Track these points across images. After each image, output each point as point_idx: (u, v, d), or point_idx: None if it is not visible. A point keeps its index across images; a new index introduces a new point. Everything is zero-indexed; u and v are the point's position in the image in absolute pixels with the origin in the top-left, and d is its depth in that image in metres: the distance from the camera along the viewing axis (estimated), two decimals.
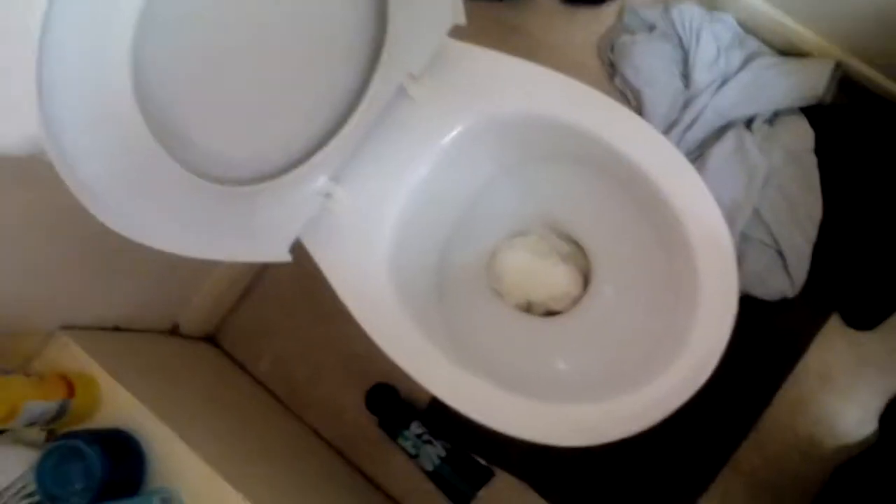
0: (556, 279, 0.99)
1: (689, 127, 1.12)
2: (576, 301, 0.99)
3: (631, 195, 0.88)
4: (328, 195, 0.84)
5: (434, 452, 1.12)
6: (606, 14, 1.22)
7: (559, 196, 0.99)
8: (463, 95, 0.85)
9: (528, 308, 1.00)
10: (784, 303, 1.07)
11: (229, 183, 0.74)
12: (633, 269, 0.96)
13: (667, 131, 1.15)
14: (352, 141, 0.83)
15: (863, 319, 1.06)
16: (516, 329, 0.97)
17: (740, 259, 1.04)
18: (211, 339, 1.29)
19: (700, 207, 0.79)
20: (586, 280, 1.00)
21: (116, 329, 1.00)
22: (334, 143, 0.81)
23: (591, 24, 1.22)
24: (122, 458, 0.74)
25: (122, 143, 0.54)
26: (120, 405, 0.79)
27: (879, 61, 1.05)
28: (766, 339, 1.09)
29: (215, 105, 0.69)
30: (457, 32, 0.83)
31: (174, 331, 1.21)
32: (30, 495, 0.69)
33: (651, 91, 1.13)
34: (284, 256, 0.82)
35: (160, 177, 0.61)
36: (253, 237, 0.78)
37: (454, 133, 0.85)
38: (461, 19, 0.83)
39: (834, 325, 1.08)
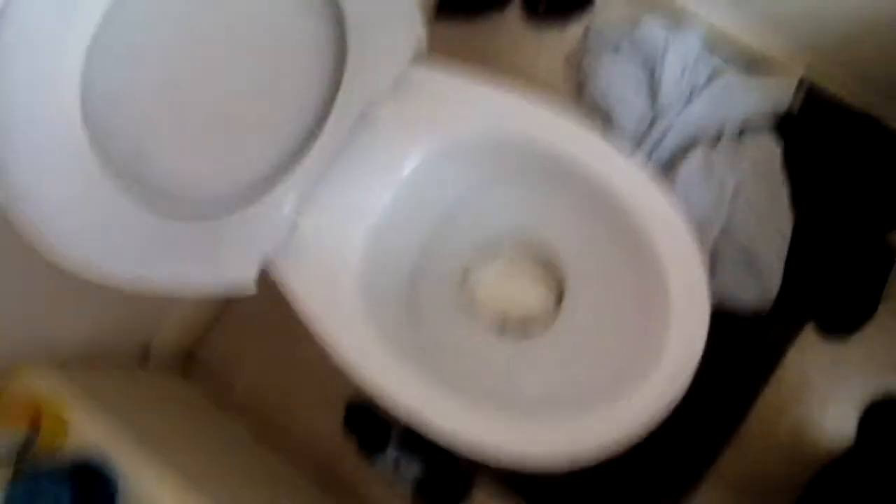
0: (528, 299, 0.99)
1: (658, 144, 1.13)
2: (549, 321, 0.99)
3: (601, 214, 0.89)
4: (295, 221, 0.83)
5: (412, 472, 1.11)
6: (572, 35, 1.23)
7: (530, 214, 0.99)
8: (428, 118, 0.85)
9: (503, 328, 1.00)
10: (758, 315, 1.07)
11: (190, 209, 0.74)
12: (606, 289, 0.96)
13: (635, 150, 1.16)
14: (317, 166, 0.83)
15: (838, 327, 1.06)
16: (489, 350, 0.96)
17: (711, 274, 1.05)
18: (184, 365, 1.28)
19: (669, 226, 0.79)
20: (560, 298, 1.00)
21: (82, 358, 0.98)
22: (299, 169, 0.81)
23: (558, 45, 1.23)
24: (92, 491, 0.73)
25: (69, 174, 0.54)
26: (90, 435, 0.77)
27: (842, 74, 1.06)
28: (742, 351, 1.09)
29: (174, 132, 0.69)
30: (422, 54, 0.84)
31: (145, 357, 1.20)
32: None
33: (618, 110, 1.14)
34: (250, 286, 0.81)
35: (111, 211, 0.60)
36: (216, 266, 0.78)
37: (420, 155, 0.86)
38: (422, 47, 0.84)
39: (810, 333, 1.08)
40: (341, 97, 0.82)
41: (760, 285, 1.04)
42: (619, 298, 0.94)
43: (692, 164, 1.08)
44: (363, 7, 0.78)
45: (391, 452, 1.12)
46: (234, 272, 0.80)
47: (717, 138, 1.11)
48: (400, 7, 0.83)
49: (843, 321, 1.06)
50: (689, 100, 1.11)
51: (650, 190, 0.80)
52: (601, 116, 1.17)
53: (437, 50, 0.87)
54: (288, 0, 0.76)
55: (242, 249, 0.81)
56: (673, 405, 0.75)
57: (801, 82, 1.07)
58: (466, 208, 0.96)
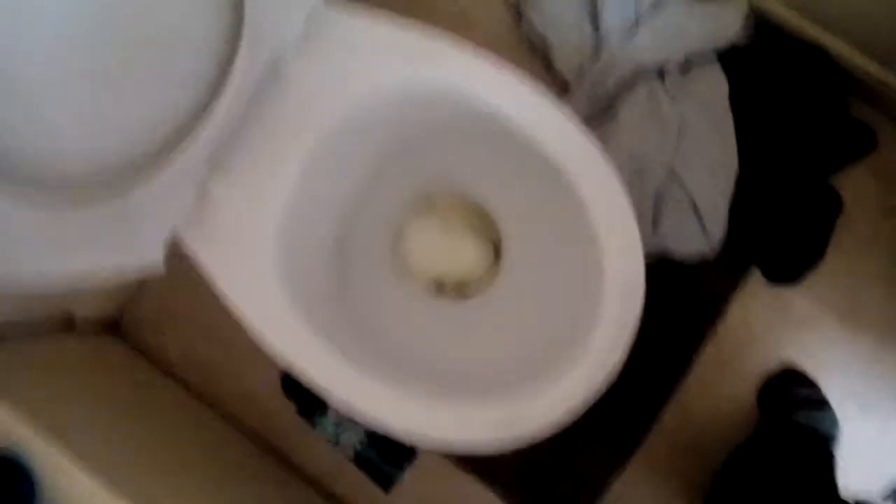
0: (464, 253, 0.94)
1: (600, 78, 1.06)
2: (487, 280, 0.95)
3: (532, 170, 0.82)
4: (203, 191, 0.76)
5: (354, 436, 1.08)
6: None
7: (462, 171, 0.92)
8: (343, 70, 0.76)
9: (440, 288, 0.95)
10: (703, 262, 1.04)
11: (83, 193, 0.66)
12: (540, 248, 0.92)
13: (576, 83, 1.09)
14: (224, 127, 0.74)
15: (783, 274, 1.04)
16: (426, 314, 0.92)
17: (655, 220, 1.00)
18: (113, 329, 1.21)
19: (599, 182, 0.74)
20: (498, 254, 0.95)
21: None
22: (204, 132, 0.73)
23: None
24: (7, 486, 0.67)
25: None
26: (3, 424, 0.71)
27: (791, 2, 0.99)
28: (686, 301, 1.06)
29: (58, 99, 0.61)
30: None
31: (69, 324, 1.12)
32: None
33: (557, 36, 1.06)
34: (158, 265, 0.74)
35: None
36: (124, 249, 0.71)
37: (338, 112, 0.77)
38: None
39: (755, 281, 1.05)
40: (244, 48, 0.73)
41: (706, 232, 1.00)
42: (554, 258, 0.90)
43: (635, 101, 1.01)
44: None
45: (331, 417, 1.08)
46: (142, 253, 0.73)
47: (663, 72, 1.04)
48: None
49: (788, 268, 1.03)
50: (632, 30, 1.04)
51: (578, 142, 0.74)
52: (540, 43, 1.09)
53: None
54: None
55: (149, 227, 0.74)
56: (612, 378, 0.72)
57: (748, 12, 1.00)
58: (392, 167, 0.88)
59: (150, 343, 1.19)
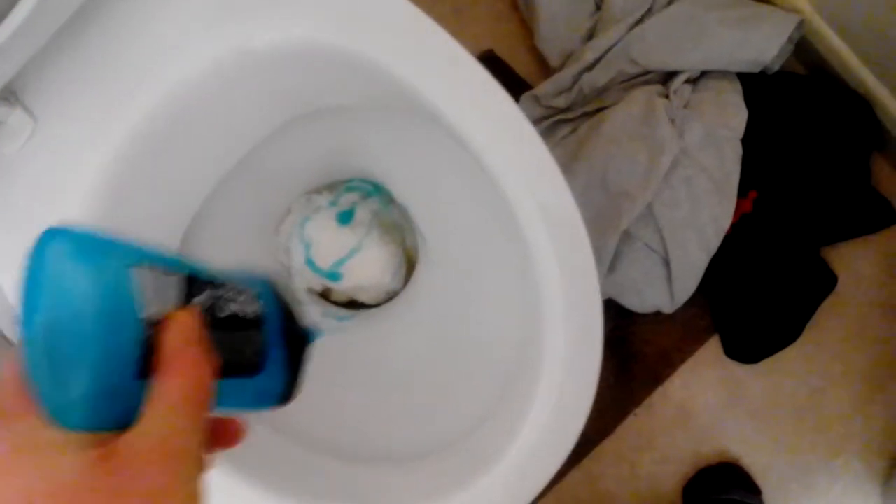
0: (367, 255, 0.72)
1: (590, 67, 0.83)
2: (391, 292, 0.74)
3: (465, 169, 0.59)
4: None
5: None
6: None
7: (378, 153, 0.69)
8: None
9: (324, 294, 0.74)
10: (656, 315, 0.85)
11: None
12: (470, 260, 0.70)
13: (558, 67, 0.86)
14: (28, 41, 0.49)
15: (747, 351, 0.85)
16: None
17: (616, 261, 0.80)
18: None
19: (554, 215, 0.52)
20: (411, 262, 0.74)
21: None
22: None
23: None
24: None
25: None
26: None
27: (854, 31, 0.77)
28: (625, 354, 0.88)
29: None
30: None
31: None
32: None
33: (548, 7, 0.82)
34: None
35: None
36: None
37: (208, 54, 0.52)
38: None
39: (710, 350, 0.87)
40: None
41: (672, 285, 0.80)
42: (483, 287, 0.69)
43: (629, 110, 0.79)
44: None
45: None
46: None
47: (669, 78, 0.82)
48: None
49: (755, 345, 0.84)
50: (644, 21, 0.80)
51: (531, 154, 0.51)
52: (526, 17, 0.85)
53: None
54: None
55: None
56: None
57: (797, 27, 0.78)
58: (284, 140, 0.63)
59: None
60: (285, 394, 0.29)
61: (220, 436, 0.28)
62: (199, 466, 0.24)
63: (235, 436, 0.28)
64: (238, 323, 0.27)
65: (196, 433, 0.24)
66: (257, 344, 0.27)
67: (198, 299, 0.26)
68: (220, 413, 0.26)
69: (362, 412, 0.66)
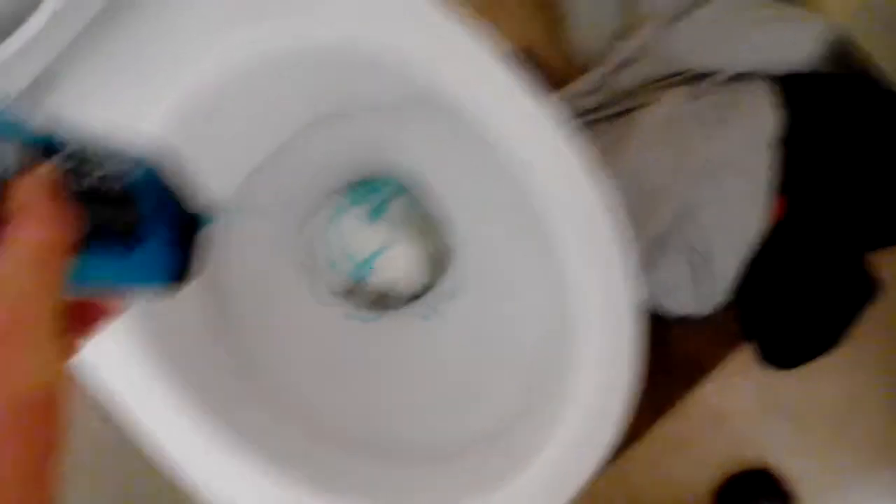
0: (396, 255, 0.72)
1: (620, 67, 0.82)
2: (420, 289, 0.74)
3: (497, 169, 0.59)
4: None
5: None
6: None
7: (410, 152, 0.69)
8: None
9: (353, 292, 0.74)
10: (689, 318, 0.84)
11: None
12: (502, 269, 0.70)
13: (594, 65, 0.85)
14: (57, 36, 0.50)
15: (784, 357, 0.83)
16: (336, 331, 0.70)
17: (646, 264, 0.79)
18: None
19: (584, 217, 0.52)
20: (440, 264, 0.74)
21: None
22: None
23: None
24: None
25: None
26: None
27: (894, 30, 0.76)
28: (662, 357, 0.86)
29: None
30: None
31: None
32: None
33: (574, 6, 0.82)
34: None
35: None
36: None
37: (244, 51, 0.53)
38: None
39: (745, 357, 0.86)
40: None
41: (704, 292, 0.79)
42: (515, 284, 0.69)
43: (656, 114, 0.78)
44: None
45: None
46: None
47: (701, 78, 0.81)
48: None
49: (792, 352, 0.83)
50: (681, 19, 0.79)
51: (565, 168, 0.52)
52: (559, 9, 0.84)
53: None
54: None
55: None
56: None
57: (828, 36, 0.76)
58: (313, 139, 0.64)
59: None
60: (174, 274, 0.28)
61: (88, 317, 0.25)
62: (54, 343, 0.21)
63: (103, 314, 0.26)
64: (107, 194, 0.25)
65: (48, 298, 0.20)
66: (132, 217, 0.26)
67: (58, 161, 0.23)
68: (97, 288, 0.24)
69: (393, 411, 0.66)
